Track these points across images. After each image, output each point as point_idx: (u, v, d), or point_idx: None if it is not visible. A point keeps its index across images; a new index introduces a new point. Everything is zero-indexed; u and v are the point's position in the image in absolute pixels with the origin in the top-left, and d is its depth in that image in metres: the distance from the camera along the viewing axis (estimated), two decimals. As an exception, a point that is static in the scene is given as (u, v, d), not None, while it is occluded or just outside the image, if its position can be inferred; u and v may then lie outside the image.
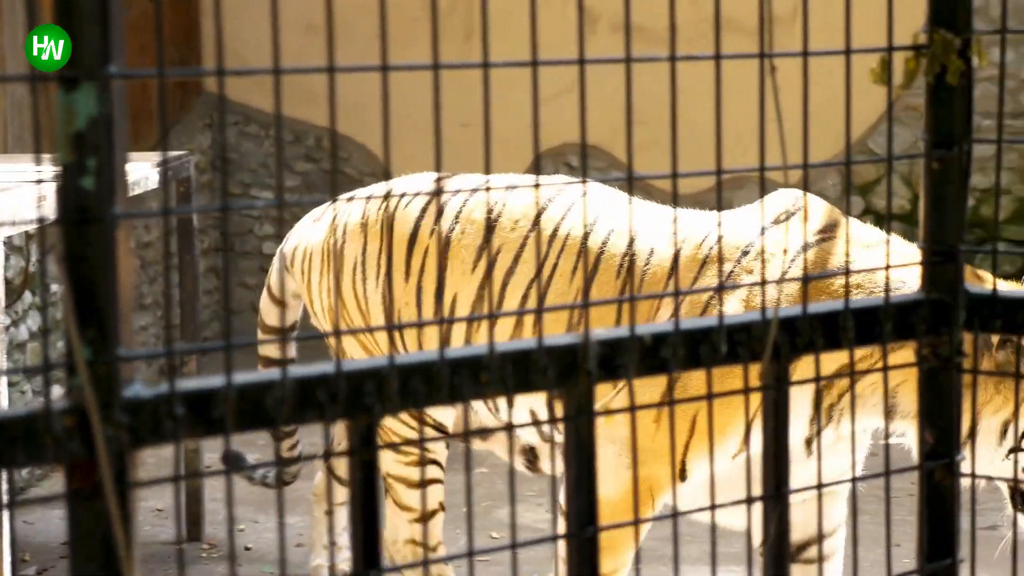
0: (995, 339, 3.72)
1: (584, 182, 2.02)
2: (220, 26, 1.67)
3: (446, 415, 4.44)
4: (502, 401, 4.21)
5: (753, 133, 4.65)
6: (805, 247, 3.90)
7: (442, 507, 4.53)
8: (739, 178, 11.07)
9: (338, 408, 1.74)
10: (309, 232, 4.69)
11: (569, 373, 1.89)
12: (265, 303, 4.92)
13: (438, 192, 4.39)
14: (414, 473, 4.45)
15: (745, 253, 3.95)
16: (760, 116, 1.98)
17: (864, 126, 10.49)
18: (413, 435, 4.38)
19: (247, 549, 5.72)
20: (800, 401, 3.85)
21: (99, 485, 1.59)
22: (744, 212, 4.15)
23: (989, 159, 10.78)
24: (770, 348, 2.01)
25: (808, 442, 3.97)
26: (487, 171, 2.00)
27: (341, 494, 4.80)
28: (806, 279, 2.21)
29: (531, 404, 4.21)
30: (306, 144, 10.08)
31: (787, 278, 2.54)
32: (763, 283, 2.10)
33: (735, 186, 11.32)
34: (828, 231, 3.95)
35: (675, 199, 2.13)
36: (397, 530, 4.54)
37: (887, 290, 2.16)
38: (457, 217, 4.30)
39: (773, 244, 3.90)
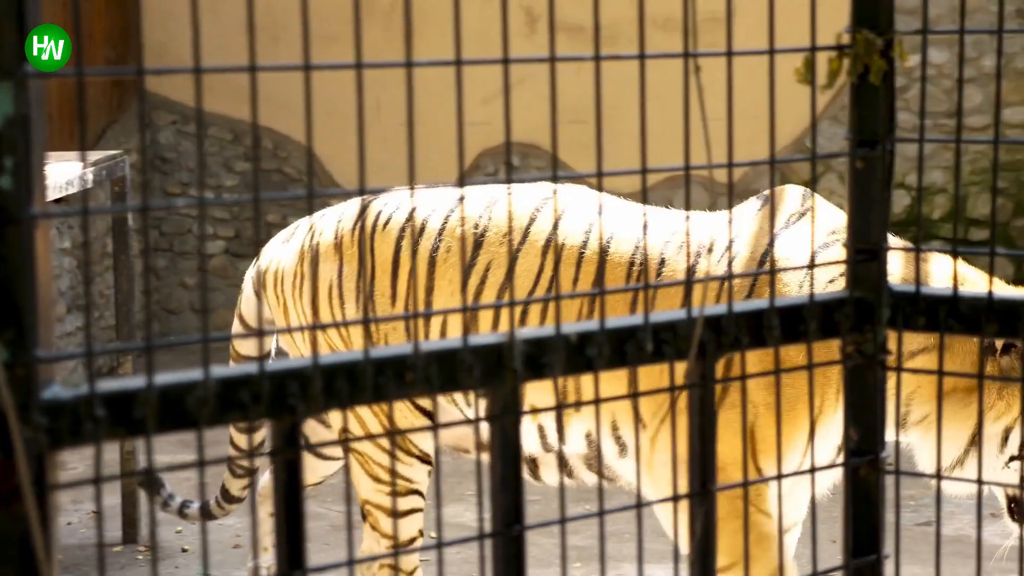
0: (999, 344, 3.70)
1: (553, 181, 2.02)
2: (140, 24, 1.66)
3: (428, 443, 4.29)
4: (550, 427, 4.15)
5: (694, 132, 4.67)
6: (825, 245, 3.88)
7: (421, 534, 4.39)
8: (679, 176, 11.12)
9: (261, 408, 1.73)
10: (280, 253, 4.44)
11: (495, 372, 1.89)
12: (237, 331, 4.61)
13: (364, 205, 4.24)
14: (394, 501, 4.31)
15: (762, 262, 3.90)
16: (685, 115, 1.99)
17: (803, 125, 10.56)
18: (397, 462, 4.27)
19: (184, 551, 5.69)
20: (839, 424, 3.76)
21: (17, 488, 1.57)
22: (750, 212, 4.08)
23: (929, 158, 10.87)
24: (696, 346, 2.02)
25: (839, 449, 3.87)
26: (410, 170, 1.98)
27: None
28: (730, 277, 2.22)
29: (587, 427, 4.14)
30: (245, 144, 10.02)
31: (712, 277, 2.54)
32: (729, 276, 2.11)
33: (676, 184, 11.36)
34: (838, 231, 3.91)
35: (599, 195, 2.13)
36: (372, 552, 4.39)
37: (811, 288, 2.18)
38: (440, 234, 4.10)
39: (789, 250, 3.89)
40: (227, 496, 4.74)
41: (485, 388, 1.89)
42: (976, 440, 3.75)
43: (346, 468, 2.56)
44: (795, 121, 10.08)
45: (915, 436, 3.87)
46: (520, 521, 1.91)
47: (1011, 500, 3.86)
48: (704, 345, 2.03)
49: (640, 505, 2.08)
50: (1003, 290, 3.59)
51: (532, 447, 4.29)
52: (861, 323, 2.16)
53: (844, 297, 2.15)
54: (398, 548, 4.29)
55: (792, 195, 4.05)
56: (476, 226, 4.10)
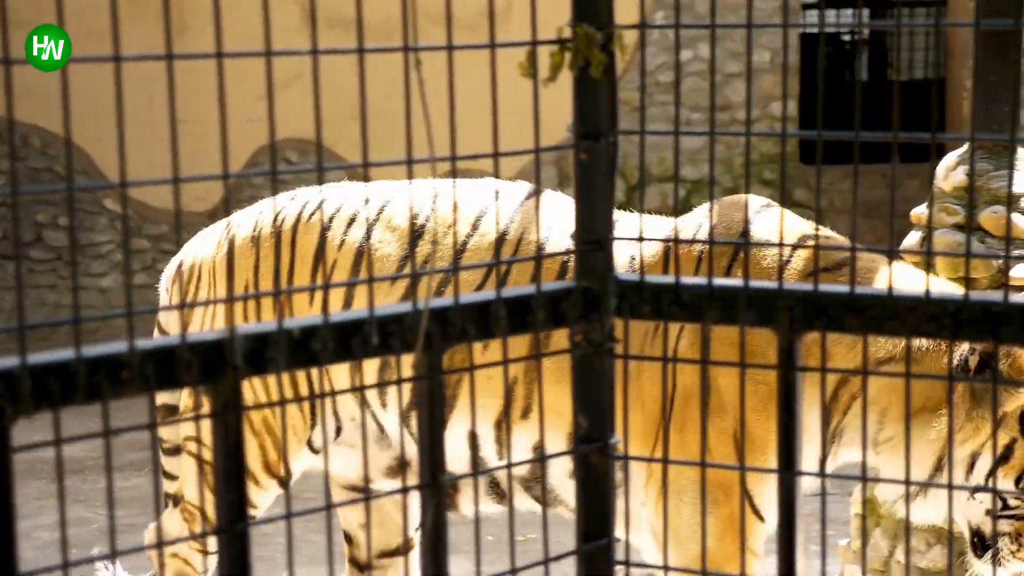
0: (973, 362, 3.51)
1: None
2: None
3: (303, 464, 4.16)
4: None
5: (472, 124, 4.69)
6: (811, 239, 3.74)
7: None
8: (471, 172, 11.14)
9: (-34, 411, 1.69)
10: (197, 247, 4.29)
11: (215, 368, 1.87)
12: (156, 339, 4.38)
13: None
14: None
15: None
16: (406, 109, 2.00)
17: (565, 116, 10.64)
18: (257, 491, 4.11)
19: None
20: (812, 420, 3.57)
21: None
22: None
23: (699, 151, 11.13)
24: (422, 339, 2.03)
25: (822, 462, 3.70)
26: (174, 167, 1.92)
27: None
28: (538, 257, 2.23)
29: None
30: (11, 142, 9.76)
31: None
32: (455, 268, 2.13)
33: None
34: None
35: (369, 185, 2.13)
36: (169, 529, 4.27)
37: (538, 279, 2.21)
38: (372, 226, 4.00)
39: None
40: None
41: (205, 385, 1.87)
42: (941, 465, 3.53)
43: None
44: (558, 112, 10.22)
45: (883, 457, 3.64)
46: (244, 518, 1.89)
47: (975, 533, 3.65)
48: (431, 337, 2.05)
49: (405, 489, 2.08)
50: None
51: (457, 463, 3.99)
52: (589, 313, 2.20)
53: (571, 287, 2.19)
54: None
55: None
56: (416, 218, 3.99)
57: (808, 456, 3.61)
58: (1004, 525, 3.55)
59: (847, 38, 15.52)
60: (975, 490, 3.56)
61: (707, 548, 3.61)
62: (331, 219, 4.07)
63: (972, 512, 3.61)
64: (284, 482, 4.09)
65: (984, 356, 3.49)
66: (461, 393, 3.83)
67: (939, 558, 4.64)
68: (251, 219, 4.18)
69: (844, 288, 2.09)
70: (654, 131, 2.08)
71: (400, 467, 4.03)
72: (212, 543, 4.24)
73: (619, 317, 2.21)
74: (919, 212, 4.46)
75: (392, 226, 4.02)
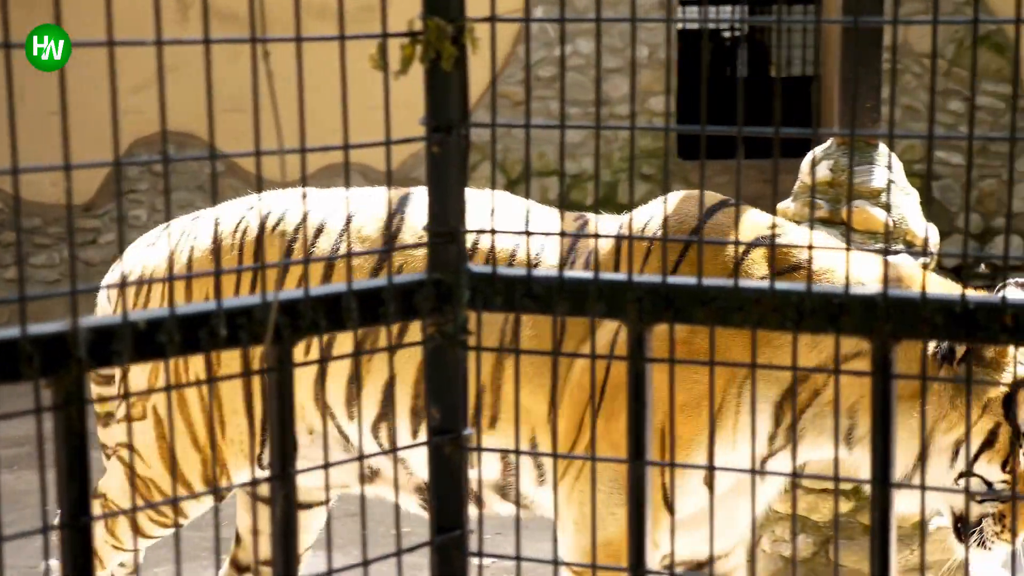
0: (960, 351, 3.48)
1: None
2: None
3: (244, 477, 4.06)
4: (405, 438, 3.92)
5: (354, 116, 4.68)
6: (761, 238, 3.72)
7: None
8: (335, 165, 11.12)
9: None
10: (146, 257, 4.20)
11: (59, 361, 1.85)
12: None
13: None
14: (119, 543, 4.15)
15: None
16: (254, 101, 2.00)
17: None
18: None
19: None
20: (760, 418, 3.61)
21: None
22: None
23: (579, 145, 11.18)
24: (271, 331, 2.03)
25: (764, 460, 3.70)
26: (65, 156, 1.88)
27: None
28: (388, 250, 2.23)
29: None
30: None
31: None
32: (306, 260, 2.12)
33: (334, 172, 11.34)
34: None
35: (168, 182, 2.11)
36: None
37: (388, 272, 2.21)
38: (340, 236, 3.97)
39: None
40: None
41: (48, 378, 1.85)
42: (925, 452, 3.50)
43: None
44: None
45: (859, 453, 3.62)
46: (87, 512, 1.88)
47: (958, 518, 3.65)
48: (280, 329, 2.04)
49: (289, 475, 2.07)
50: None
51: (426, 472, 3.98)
52: (441, 304, 2.21)
53: (423, 279, 2.20)
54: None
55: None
56: (349, 220, 3.95)
57: (747, 453, 3.66)
58: (988, 507, 3.56)
59: (727, 35, 15.70)
60: (960, 491, 3.57)
61: (614, 535, 3.64)
62: (296, 230, 4.04)
63: (956, 498, 3.60)
64: (221, 497, 4.03)
65: (968, 344, 3.46)
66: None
67: (803, 547, 4.71)
68: (207, 228, 4.12)
69: (692, 280, 2.12)
70: (506, 124, 2.09)
71: (362, 478, 3.99)
72: (128, 540, 4.23)
73: (472, 309, 2.22)
74: (784, 207, 4.53)
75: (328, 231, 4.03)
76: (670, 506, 3.68)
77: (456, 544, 2.26)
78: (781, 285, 2.08)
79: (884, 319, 2.03)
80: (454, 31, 2.11)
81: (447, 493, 2.25)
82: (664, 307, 2.13)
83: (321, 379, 3.86)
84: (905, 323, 2.03)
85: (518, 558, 2.31)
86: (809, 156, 4.59)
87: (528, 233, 2.33)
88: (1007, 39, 11.01)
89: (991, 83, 10.93)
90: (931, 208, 10.95)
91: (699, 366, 3.50)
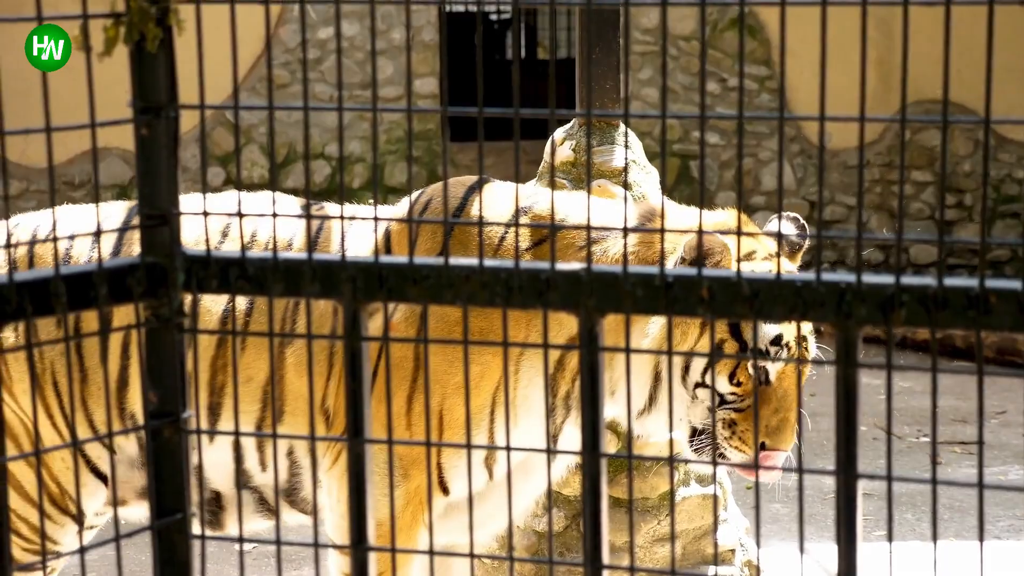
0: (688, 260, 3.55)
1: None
2: None
3: (95, 502, 3.88)
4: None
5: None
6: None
7: None
8: (98, 150, 10.88)
9: None
10: None
11: None
12: None
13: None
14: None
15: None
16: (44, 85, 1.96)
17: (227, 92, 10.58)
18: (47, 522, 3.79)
19: None
20: (539, 393, 3.67)
21: None
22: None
23: (346, 128, 11.14)
24: (-26, 317, 2.00)
25: (554, 437, 3.78)
26: None
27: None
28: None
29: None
30: None
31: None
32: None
33: (88, 159, 11.09)
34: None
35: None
36: None
37: (99, 256, 2.19)
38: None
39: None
40: None
41: None
42: (659, 376, 3.61)
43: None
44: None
45: (617, 411, 3.74)
46: None
47: (693, 431, 3.70)
48: (-16, 315, 2.01)
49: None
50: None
51: (220, 480, 3.91)
52: (156, 287, 2.20)
53: (136, 262, 2.18)
54: None
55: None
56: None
57: (530, 429, 3.74)
58: (719, 415, 3.65)
59: (494, 17, 15.82)
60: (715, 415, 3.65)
61: (385, 517, 3.66)
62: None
63: (695, 414, 3.67)
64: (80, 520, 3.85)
65: (692, 260, 3.54)
66: (225, 401, 3.77)
67: (556, 520, 4.81)
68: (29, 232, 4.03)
69: (404, 259, 2.15)
70: (284, 106, 2.09)
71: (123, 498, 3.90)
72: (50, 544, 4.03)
73: (187, 291, 2.22)
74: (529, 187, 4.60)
75: None
76: (444, 486, 3.73)
77: (178, 528, 2.26)
78: (490, 262, 2.13)
79: (588, 294, 2.09)
80: (158, 12, 2.10)
81: (167, 476, 2.25)
82: (378, 286, 2.16)
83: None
84: (609, 297, 2.09)
85: (278, 542, 2.32)
86: (552, 137, 4.68)
87: (205, 214, 2.33)
88: (758, 21, 11.34)
89: (747, 65, 11.25)
90: (692, 187, 11.22)
91: (475, 349, 3.58)
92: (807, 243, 3.89)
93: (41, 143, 10.35)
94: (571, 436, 3.81)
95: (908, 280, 1.93)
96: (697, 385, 3.64)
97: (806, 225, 3.90)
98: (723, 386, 3.65)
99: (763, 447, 3.60)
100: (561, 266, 2.10)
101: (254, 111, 10.26)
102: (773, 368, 3.63)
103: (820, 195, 1.95)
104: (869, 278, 1.96)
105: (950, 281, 1.91)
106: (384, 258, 2.16)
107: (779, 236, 3.65)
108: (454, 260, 2.14)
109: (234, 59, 2.32)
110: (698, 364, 3.63)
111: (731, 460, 3.67)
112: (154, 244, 2.20)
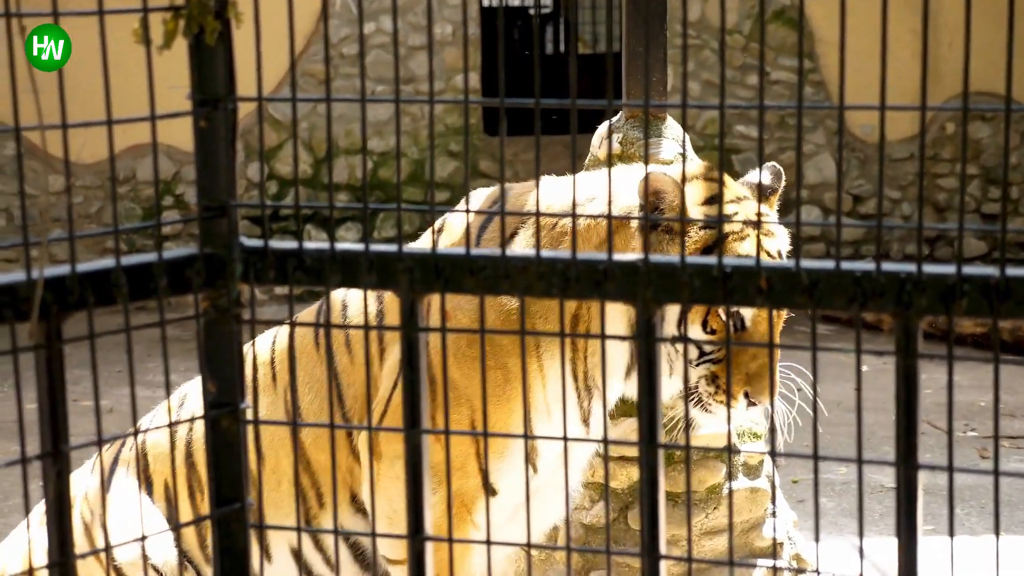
0: (662, 225, 3.53)
1: None
2: None
3: None
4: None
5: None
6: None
7: None
8: (141, 146, 10.95)
9: None
10: None
11: None
12: None
13: None
14: None
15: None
16: (11, 78, 1.98)
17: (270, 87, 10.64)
18: None
19: None
20: (567, 382, 3.65)
21: None
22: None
23: (386, 123, 11.18)
24: (37, 308, 2.01)
25: (586, 421, 3.75)
26: None
27: None
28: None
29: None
30: None
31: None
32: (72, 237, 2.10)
33: (139, 153, 11.17)
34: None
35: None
36: None
37: (160, 247, 2.20)
38: None
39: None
40: None
41: None
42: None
43: None
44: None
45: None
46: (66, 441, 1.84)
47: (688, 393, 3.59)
48: (47, 306, 2.03)
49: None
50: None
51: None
52: (214, 279, 2.21)
53: (195, 254, 2.20)
54: None
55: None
56: None
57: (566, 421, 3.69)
58: (702, 370, 3.58)
59: (532, 12, 15.81)
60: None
61: (433, 521, 3.62)
62: None
63: (678, 368, 3.58)
64: None
65: (645, 203, 3.49)
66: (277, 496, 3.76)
67: (603, 515, 4.81)
68: None
69: (460, 250, 2.16)
70: (306, 98, 2.10)
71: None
72: None
73: (245, 283, 2.23)
74: (577, 180, 4.59)
75: None
76: (492, 488, 3.70)
77: (237, 516, 2.27)
78: (547, 253, 2.13)
79: (645, 284, 2.09)
80: (217, 5, 2.12)
81: (226, 466, 2.26)
82: (435, 277, 2.17)
83: None
84: (666, 288, 2.09)
85: (336, 532, 2.32)
86: (600, 130, 4.68)
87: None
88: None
89: (787, 58, 11.21)
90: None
91: (493, 356, 3.56)
92: (781, 186, 3.81)
93: (87, 140, 10.41)
94: (597, 415, 3.77)
95: (970, 270, 1.92)
96: (675, 339, 3.54)
97: (781, 172, 3.83)
98: (698, 334, 3.54)
99: (746, 397, 3.53)
100: (618, 257, 2.10)
101: (293, 105, 10.33)
102: (748, 313, 3.55)
103: (880, 185, 1.94)
104: (930, 268, 1.95)
105: (1012, 271, 1.90)
106: (440, 249, 2.17)
107: (759, 187, 3.49)
108: (510, 251, 2.15)
109: (291, 51, 2.34)
110: (672, 316, 3.53)
111: (714, 412, 3.58)
112: (212, 235, 2.21)
